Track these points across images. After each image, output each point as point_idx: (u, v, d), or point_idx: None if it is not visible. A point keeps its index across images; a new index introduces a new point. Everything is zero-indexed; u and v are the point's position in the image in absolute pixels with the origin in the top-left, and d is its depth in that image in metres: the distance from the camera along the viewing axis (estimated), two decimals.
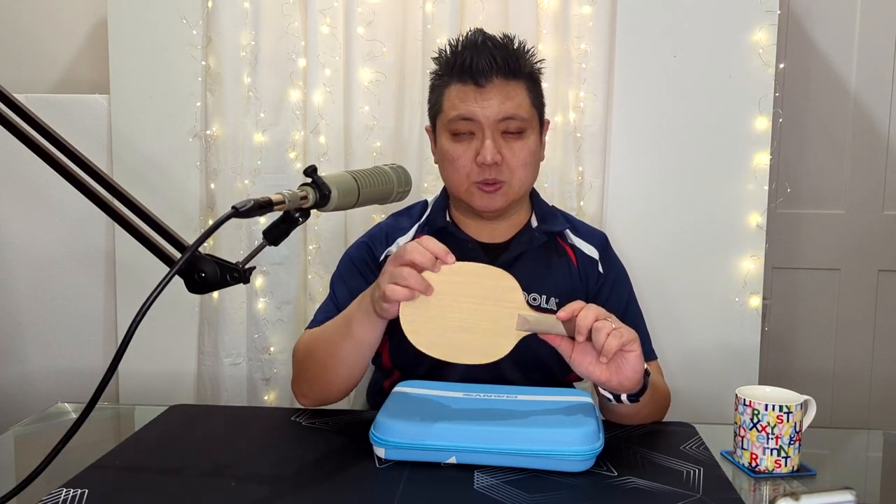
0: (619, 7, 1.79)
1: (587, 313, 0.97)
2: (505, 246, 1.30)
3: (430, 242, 0.98)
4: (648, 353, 1.31)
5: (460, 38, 1.25)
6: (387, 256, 1.30)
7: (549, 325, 0.99)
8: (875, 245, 2.21)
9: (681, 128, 1.81)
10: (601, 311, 0.99)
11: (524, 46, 1.26)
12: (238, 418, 1.22)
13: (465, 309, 0.98)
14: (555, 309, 1.21)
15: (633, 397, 1.05)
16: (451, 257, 0.98)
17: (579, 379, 1.35)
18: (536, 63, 1.28)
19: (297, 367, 1.22)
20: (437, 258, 0.97)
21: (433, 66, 1.30)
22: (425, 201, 1.39)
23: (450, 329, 0.97)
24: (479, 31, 1.25)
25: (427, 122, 1.35)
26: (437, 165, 1.31)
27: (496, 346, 0.98)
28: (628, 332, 0.98)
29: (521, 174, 1.24)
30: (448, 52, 1.26)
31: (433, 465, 0.98)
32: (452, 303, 0.98)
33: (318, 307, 1.32)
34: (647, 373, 1.03)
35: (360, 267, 1.30)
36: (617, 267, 1.38)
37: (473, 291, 0.98)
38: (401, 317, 0.98)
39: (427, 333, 0.97)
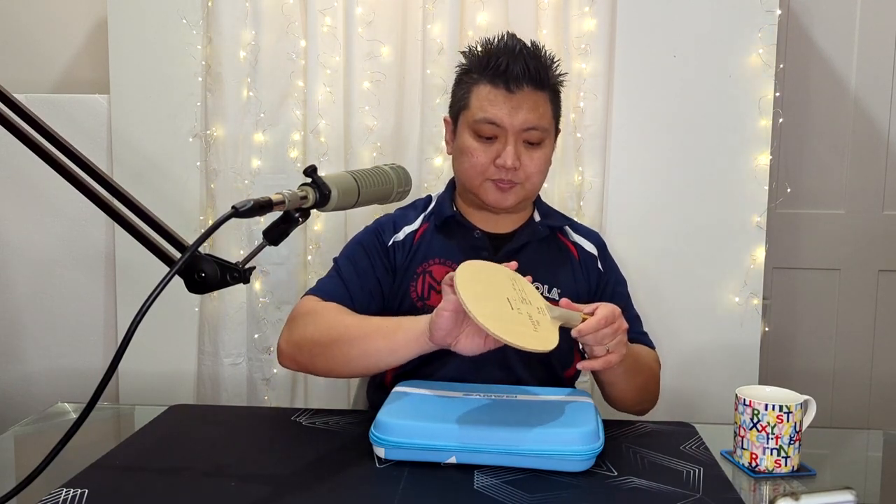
0: (618, 7, 1.79)
1: (597, 336, 1.05)
2: (509, 236, 1.34)
3: None
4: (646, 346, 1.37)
5: (495, 39, 1.28)
6: (394, 243, 1.33)
7: (569, 321, 1.05)
8: (875, 245, 2.21)
9: (681, 128, 1.81)
10: (609, 335, 1.06)
11: (552, 58, 1.30)
12: (238, 418, 1.22)
13: (504, 304, 1.00)
14: (557, 299, 1.24)
15: None
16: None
17: (578, 376, 1.36)
18: (559, 77, 1.32)
19: (305, 338, 1.19)
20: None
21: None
22: (429, 196, 1.43)
23: (507, 321, 0.97)
24: (515, 37, 1.28)
25: (446, 114, 1.38)
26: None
27: (546, 339, 0.98)
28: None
29: (535, 180, 1.30)
30: (481, 50, 1.29)
31: (433, 465, 0.98)
32: (496, 298, 0.99)
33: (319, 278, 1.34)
34: None
35: (369, 250, 1.33)
36: (615, 269, 1.42)
37: (501, 290, 1.02)
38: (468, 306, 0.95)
39: (493, 321, 0.95)
